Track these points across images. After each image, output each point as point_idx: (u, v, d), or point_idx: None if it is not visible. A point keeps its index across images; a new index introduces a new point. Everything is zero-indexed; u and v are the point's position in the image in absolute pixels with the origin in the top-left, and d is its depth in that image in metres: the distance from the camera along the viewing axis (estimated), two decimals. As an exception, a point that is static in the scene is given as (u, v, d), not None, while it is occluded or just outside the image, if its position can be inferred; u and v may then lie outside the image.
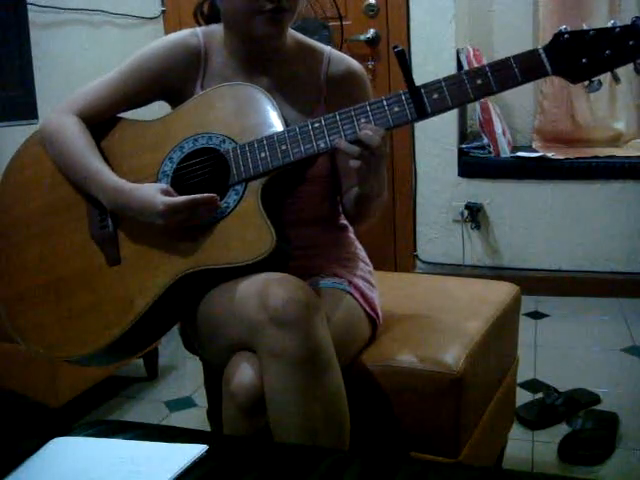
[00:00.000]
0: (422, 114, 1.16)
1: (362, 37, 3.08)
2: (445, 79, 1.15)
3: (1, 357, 2.01)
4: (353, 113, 1.18)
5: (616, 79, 1.11)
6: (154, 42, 1.38)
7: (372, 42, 3.09)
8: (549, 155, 2.98)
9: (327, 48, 1.40)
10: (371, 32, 3.08)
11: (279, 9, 1.23)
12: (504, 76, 1.12)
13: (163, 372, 2.48)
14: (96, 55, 2.64)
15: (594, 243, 2.97)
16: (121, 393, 2.36)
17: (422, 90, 1.15)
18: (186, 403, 2.27)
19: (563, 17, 3.11)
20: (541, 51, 1.11)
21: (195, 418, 2.12)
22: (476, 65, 3.02)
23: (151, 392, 2.37)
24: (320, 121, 1.19)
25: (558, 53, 1.10)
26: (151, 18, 3.07)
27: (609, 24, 1.09)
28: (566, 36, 1.10)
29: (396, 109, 1.16)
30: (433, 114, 1.16)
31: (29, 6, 2.30)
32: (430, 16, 3.00)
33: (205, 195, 1.19)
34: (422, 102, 1.15)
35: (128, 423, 1.18)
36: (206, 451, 0.96)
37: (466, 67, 3.00)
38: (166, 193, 1.21)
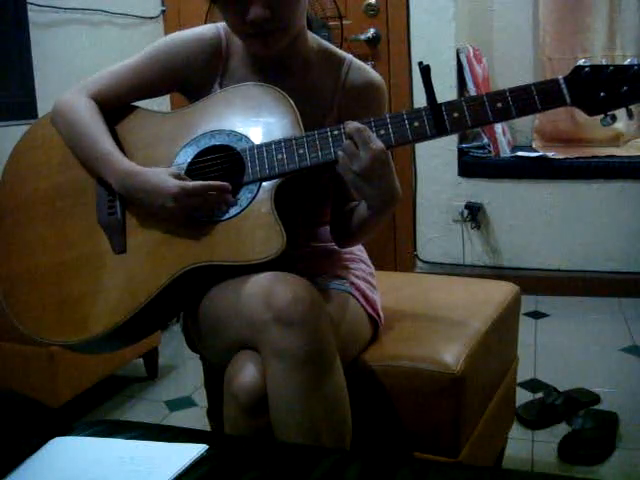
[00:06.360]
0: (441, 131, 1.16)
1: (362, 37, 3.08)
2: (466, 99, 1.16)
3: (1, 357, 2.01)
4: (373, 124, 1.17)
5: (630, 115, 1.13)
6: (177, 34, 1.36)
7: (372, 42, 3.09)
8: (549, 155, 2.98)
9: (349, 56, 1.38)
10: (371, 32, 3.08)
11: (264, 33, 1.22)
12: (524, 102, 1.13)
13: (163, 372, 2.48)
14: (96, 55, 2.64)
15: (594, 243, 2.97)
16: (121, 393, 2.36)
17: (443, 107, 1.15)
18: (186, 403, 2.27)
19: (563, 17, 3.12)
20: (562, 81, 1.12)
21: (195, 418, 2.12)
22: (476, 64, 3.03)
23: (151, 392, 2.37)
24: (340, 129, 1.18)
25: (578, 85, 1.12)
26: (151, 18, 3.08)
27: (627, 62, 1.11)
28: (586, 69, 1.12)
29: (416, 124, 1.16)
30: (452, 132, 1.17)
31: (29, 6, 2.30)
32: (430, 16, 3.00)
33: (218, 182, 1.20)
34: (442, 119, 1.15)
35: (128, 423, 1.18)
36: (206, 451, 0.96)
37: (466, 66, 3.00)
38: (177, 177, 1.21)
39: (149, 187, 1.21)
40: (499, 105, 1.14)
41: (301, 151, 1.19)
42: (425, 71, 1.14)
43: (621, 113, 1.14)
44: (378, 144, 1.13)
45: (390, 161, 1.16)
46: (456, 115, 1.15)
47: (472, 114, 1.15)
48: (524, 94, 1.13)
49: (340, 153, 1.16)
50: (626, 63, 1.11)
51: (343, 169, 1.16)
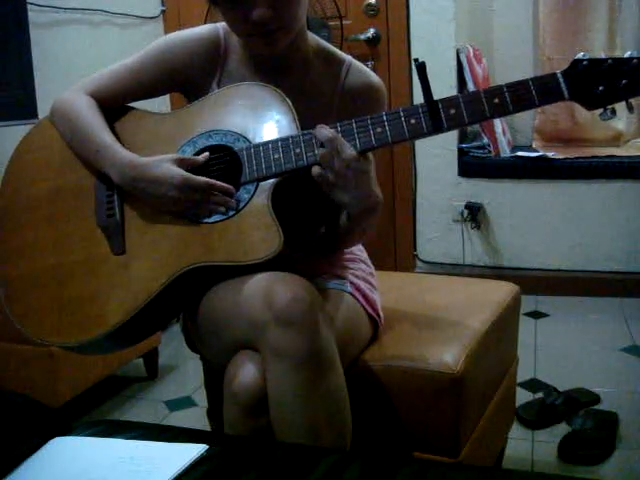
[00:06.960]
0: (438, 128, 1.15)
1: (362, 37, 3.08)
2: (463, 96, 1.15)
3: (1, 357, 2.01)
4: (369, 122, 1.17)
5: (630, 108, 1.12)
6: (176, 33, 1.36)
7: (372, 42, 3.09)
8: (549, 155, 2.98)
9: (348, 57, 1.38)
10: (371, 32, 3.08)
11: (267, 32, 1.21)
12: (521, 97, 1.12)
13: (163, 372, 2.48)
14: (96, 55, 2.64)
15: (594, 243, 2.97)
16: (121, 393, 2.36)
17: (440, 104, 1.14)
18: (186, 403, 2.27)
19: (563, 17, 3.12)
20: (559, 75, 1.11)
21: (195, 418, 2.12)
22: (476, 64, 3.02)
23: (151, 392, 2.37)
24: (336, 127, 1.18)
25: (576, 79, 1.11)
26: (151, 18, 3.08)
27: (626, 54, 1.10)
28: (584, 63, 1.10)
29: (413, 121, 1.16)
30: (449, 129, 1.16)
31: (29, 6, 2.30)
32: (430, 16, 3.00)
33: (223, 184, 1.20)
34: (439, 116, 1.14)
35: (128, 423, 1.18)
36: (206, 451, 0.96)
37: (466, 66, 3.00)
38: (180, 161, 1.22)
39: (151, 176, 1.21)
40: (496, 100, 1.13)
41: (298, 150, 1.19)
42: (421, 68, 1.14)
43: (621, 107, 1.12)
44: (350, 152, 1.13)
45: (367, 168, 1.16)
46: (453, 112, 1.14)
47: (469, 110, 1.14)
48: (522, 89, 1.12)
49: (315, 168, 1.15)
50: (625, 56, 1.10)
51: (320, 180, 1.16)
